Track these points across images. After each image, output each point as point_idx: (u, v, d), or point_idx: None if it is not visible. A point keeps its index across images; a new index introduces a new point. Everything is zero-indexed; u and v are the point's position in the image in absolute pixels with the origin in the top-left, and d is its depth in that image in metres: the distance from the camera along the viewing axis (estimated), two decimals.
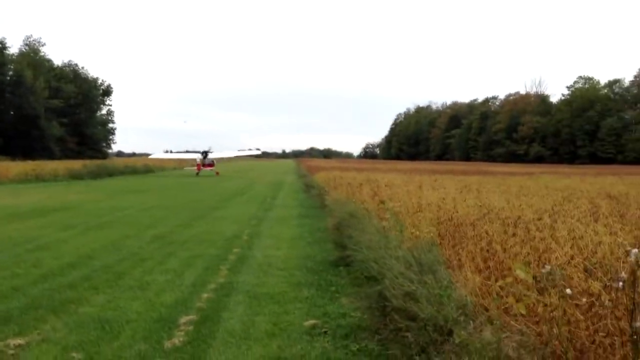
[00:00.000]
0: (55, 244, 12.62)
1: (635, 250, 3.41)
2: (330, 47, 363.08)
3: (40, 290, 8.38)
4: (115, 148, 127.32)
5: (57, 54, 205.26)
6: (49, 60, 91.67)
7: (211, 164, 52.58)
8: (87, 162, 50.21)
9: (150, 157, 69.11)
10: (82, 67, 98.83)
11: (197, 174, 50.48)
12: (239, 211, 20.24)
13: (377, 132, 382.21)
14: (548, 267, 4.08)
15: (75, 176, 41.58)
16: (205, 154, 53.24)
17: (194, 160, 54.03)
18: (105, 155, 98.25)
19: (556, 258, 5.88)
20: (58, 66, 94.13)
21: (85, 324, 6.78)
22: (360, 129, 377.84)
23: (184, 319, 7.01)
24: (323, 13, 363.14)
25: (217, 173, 51.05)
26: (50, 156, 70.43)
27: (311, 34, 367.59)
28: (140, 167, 57.17)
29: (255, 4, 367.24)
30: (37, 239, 13.06)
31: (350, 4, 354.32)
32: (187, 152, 62.00)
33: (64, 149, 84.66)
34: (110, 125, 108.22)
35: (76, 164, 46.92)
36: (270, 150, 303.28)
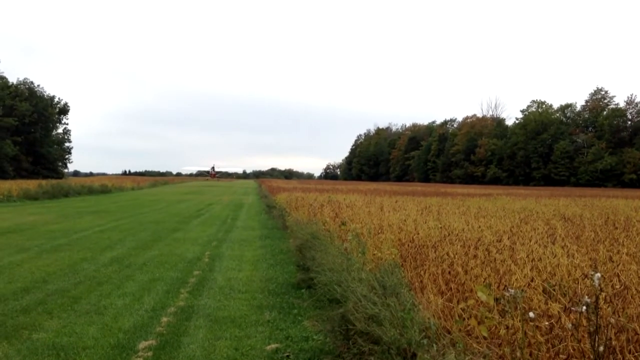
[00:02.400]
0: (8, 267, 12.21)
1: (598, 275, 3.49)
2: (295, 68, 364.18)
3: None
4: (71, 168, 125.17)
5: (12, 72, 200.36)
6: (4, 78, 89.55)
7: (215, 174, 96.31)
8: (43, 182, 48.91)
9: (182, 168, 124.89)
10: (38, 85, 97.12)
11: (207, 179, 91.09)
12: (199, 232, 19.99)
13: (338, 153, 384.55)
14: (512, 291, 4.14)
15: (30, 196, 40.39)
16: (213, 168, 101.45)
17: (209, 172, 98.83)
18: (61, 175, 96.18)
19: (516, 280, 5.98)
20: (13, 84, 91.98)
21: (39, 351, 6.56)
22: (321, 150, 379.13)
23: (142, 345, 6.85)
24: (285, 36, 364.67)
25: (219, 179, 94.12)
26: (4, 176, 68.67)
27: (274, 56, 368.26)
28: (97, 187, 55.95)
29: (213, 20, 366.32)
30: None
31: (309, 29, 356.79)
32: (212, 167, 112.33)
33: (18, 168, 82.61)
34: (67, 144, 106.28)
35: (31, 184, 45.63)
36: (231, 170, 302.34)
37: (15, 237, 17.79)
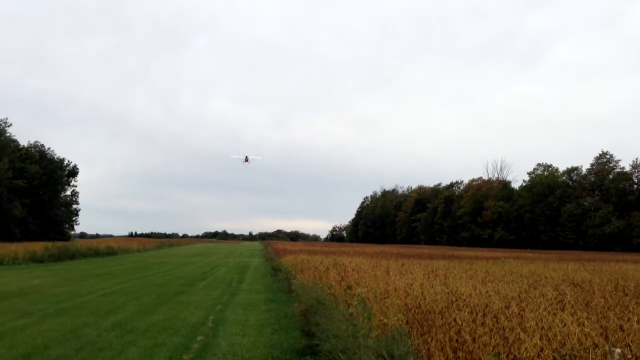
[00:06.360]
0: (11, 332, 12.07)
1: (618, 351, 3.43)
2: (300, 127, 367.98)
3: None
4: (78, 230, 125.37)
5: (24, 135, 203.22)
6: (15, 141, 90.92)
7: (247, 160, 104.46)
8: (49, 244, 48.82)
9: (231, 156, 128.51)
10: (49, 148, 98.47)
11: (243, 162, 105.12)
12: (204, 296, 19.79)
13: (345, 216, 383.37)
14: None
15: (36, 259, 40.26)
16: (246, 157, 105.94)
17: (244, 158, 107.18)
18: (67, 237, 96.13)
19: (526, 349, 5.85)
20: (24, 147, 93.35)
21: None
22: (328, 213, 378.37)
23: None
24: (292, 94, 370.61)
25: (249, 162, 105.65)
26: (11, 238, 68.56)
27: (280, 113, 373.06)
28: (103, 249, 55.84)
29: (218, 79, 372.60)
30: None
31: (310, 87, 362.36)
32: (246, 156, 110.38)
33: (25, 231, 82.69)
34: (75, 206, 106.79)
35: (38, 247, 45.56)
36: (237, 232, 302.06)
37: (20, 301, 17.66)
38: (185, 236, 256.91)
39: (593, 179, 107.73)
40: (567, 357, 5.11)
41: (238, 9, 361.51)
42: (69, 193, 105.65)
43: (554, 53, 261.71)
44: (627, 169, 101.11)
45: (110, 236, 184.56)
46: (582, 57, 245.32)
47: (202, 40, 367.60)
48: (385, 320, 8.24)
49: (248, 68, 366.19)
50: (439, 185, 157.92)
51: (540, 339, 6.29)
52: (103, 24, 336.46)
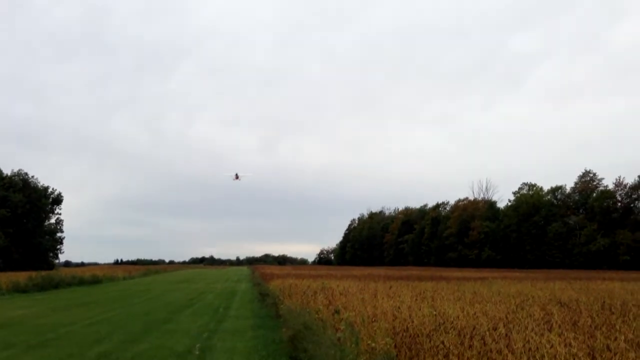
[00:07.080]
0: None
1: None
2: (286, 150, 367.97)
3: None
4: (63, 258, 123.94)
5: (7, 163, 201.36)
6: None
7: (237, 177, 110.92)
8: (33, 274, 48.09)
9: (223, 175, 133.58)
10: (32, 176, 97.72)
11: (234, 179, 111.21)
12: (191, 323, 19.56)
13: (332, 239, 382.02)
14: None
15: (19, 289, 39.57)
16: (236, 174, 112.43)
17: (234, 175, 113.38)
18: (51, 266, 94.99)
19: None
20: (7, 175, 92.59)
21: None
22: (315, 236, 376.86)
23: None
24: (276, 119, 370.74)
25: (239, 179, 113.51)
26: None
27: (265, 138, 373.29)
28: (87, 277, 55.06)
29: (205, 103, 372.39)
30: None
31: (299, 106, 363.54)
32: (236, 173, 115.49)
33: (8, 260, 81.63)
34: (59, 234, 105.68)
35: (20, 276, 44.87)
36: (224, 257, 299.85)
37: (2, 332, 17.35)
38: (171, 262, 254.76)
39: (577, 198, 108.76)
40: None
41: (223, 34, 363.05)
42: (52, 221, 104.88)
43: (537, 74, 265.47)
44: (610, 186, 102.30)
45: (95, 264, 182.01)
46: (565, 78, 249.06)
47: (187, 66, 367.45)
48: (373, 344, 8.19)
49: (234, 92, 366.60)
50: (425, 206, 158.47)
51: None
52: (87, 51, 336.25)
